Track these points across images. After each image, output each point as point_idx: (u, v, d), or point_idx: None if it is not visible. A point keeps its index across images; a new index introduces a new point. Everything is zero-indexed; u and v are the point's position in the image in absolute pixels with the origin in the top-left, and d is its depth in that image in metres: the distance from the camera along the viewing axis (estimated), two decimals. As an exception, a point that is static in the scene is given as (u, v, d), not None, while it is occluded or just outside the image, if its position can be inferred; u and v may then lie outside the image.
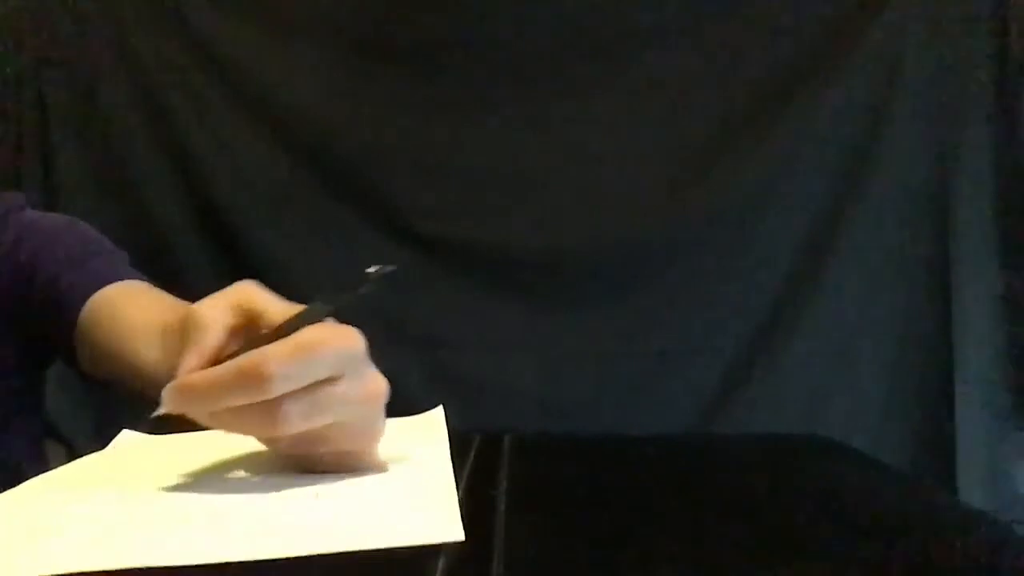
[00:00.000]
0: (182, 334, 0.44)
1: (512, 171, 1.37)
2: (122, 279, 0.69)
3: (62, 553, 0.35)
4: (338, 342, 0.41)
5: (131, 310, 0.64)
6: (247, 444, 0.49)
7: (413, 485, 0.46)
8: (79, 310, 0.66)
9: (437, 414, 0.60)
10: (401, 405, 0.55)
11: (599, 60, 1.36)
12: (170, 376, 0.42)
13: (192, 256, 1.35)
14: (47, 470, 0.51)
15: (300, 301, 0.58)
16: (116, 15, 1.37)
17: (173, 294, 0.71)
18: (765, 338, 1.35)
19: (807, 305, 1.34)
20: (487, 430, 0.61)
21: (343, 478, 0.45)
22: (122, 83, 1.37)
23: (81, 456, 0.54)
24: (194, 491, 0.44)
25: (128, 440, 0.57)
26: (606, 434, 0.66)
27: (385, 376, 0.51)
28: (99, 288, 0.67)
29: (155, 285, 0.75)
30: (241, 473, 0.48)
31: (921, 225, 1.34)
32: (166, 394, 0.41)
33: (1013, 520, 1.28)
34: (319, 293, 0.45)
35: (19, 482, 0.46)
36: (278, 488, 0.44)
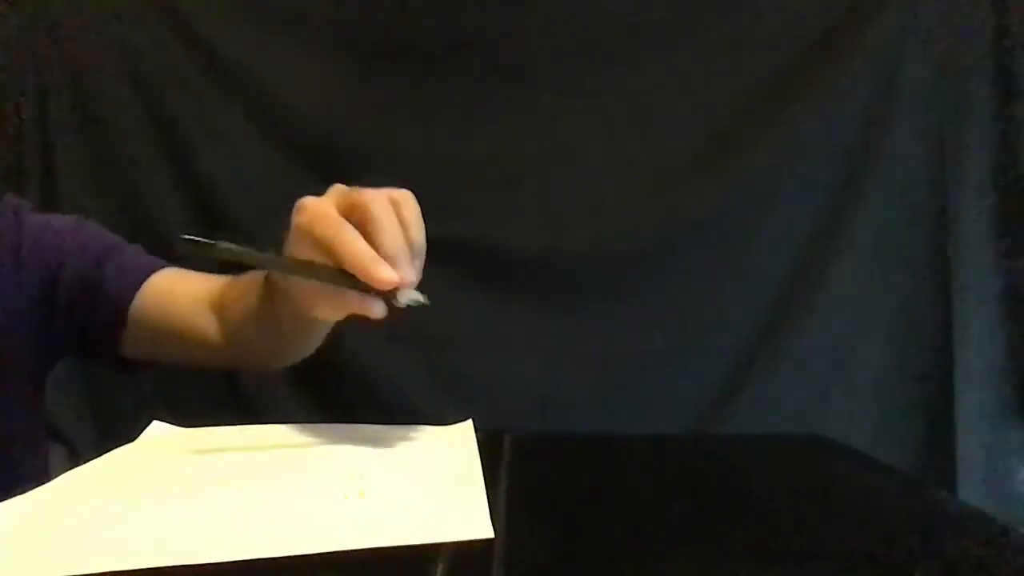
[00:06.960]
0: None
1: (511, 171, 1.37)
2: (161, 267, 0.74)
3: (99, 551, 0.35)
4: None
5: (183, 291, 0.69)
6: (272, 443, 0.50)
7: (442, 485, 0.47)
8: (131, 298, 0.71)
9: (466, 426, 0.61)
10: (402, 405, 0.55)
11: (599, 60, 1.36)
12: (228, 341, 0.63)
13: (193, 257, 1.35)
14: (47, 471, 0.51)
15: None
16: (117, 16, 1.37)
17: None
18: (765, 338, 1.34)
19: (807, 305, 1.34)
20: (487, 430, 0.61)
21: (372, 479, 0.46)
22: (123, 84, 1.37)
23: (81, 458, 0.54)
24: (222, 489, 0.45)
25: (159, 433, 0.59)
26: (606, 434, 0.66)
27: (386, 376, 0.52)
28: (147, 276, 0.72)
29: None
30: (268, 472, 0.49)
31: (921, 225, 1.34)
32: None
33: (1013, 520, 1.28)
34: None
35: (19, 484, 0.46)
36: (306, 487, 0.45)
